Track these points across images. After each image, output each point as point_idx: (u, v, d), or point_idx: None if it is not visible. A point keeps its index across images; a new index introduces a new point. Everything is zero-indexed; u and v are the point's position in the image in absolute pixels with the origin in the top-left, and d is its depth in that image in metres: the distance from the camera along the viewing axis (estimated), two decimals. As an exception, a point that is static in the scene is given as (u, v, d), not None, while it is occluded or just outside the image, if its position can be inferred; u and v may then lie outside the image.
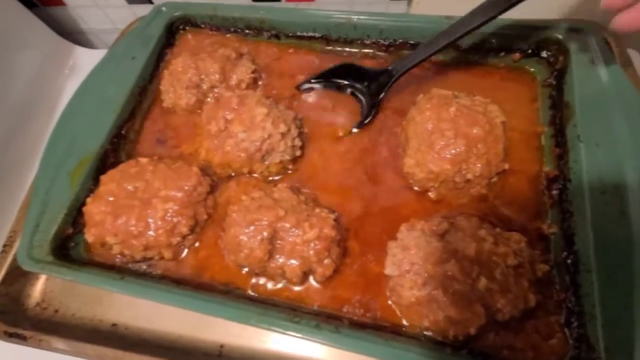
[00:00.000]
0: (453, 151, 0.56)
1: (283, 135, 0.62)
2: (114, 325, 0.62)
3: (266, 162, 0.64)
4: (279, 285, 0.58)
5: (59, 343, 0.59)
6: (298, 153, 0.65)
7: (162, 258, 0.60)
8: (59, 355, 0.59)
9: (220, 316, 0.50)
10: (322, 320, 0.50)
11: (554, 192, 0.57)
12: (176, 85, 0.72)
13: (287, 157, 0.64)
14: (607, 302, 0.46)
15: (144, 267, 0.60)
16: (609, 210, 0.50)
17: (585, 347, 0.46)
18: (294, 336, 0.48)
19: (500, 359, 0.47)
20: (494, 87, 0.67)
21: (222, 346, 0.59)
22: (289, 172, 0.66)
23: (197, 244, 0.62)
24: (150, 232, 0.57)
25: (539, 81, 0.66)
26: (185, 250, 0.61)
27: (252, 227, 0.55)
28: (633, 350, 0.43)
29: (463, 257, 0.49)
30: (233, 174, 0.66)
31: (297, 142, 0.64)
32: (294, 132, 0.64)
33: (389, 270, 0.53)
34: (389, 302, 0.54)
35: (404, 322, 0.52)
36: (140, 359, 0.56)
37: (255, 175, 0.65)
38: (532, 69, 0.67)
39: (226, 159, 0.63)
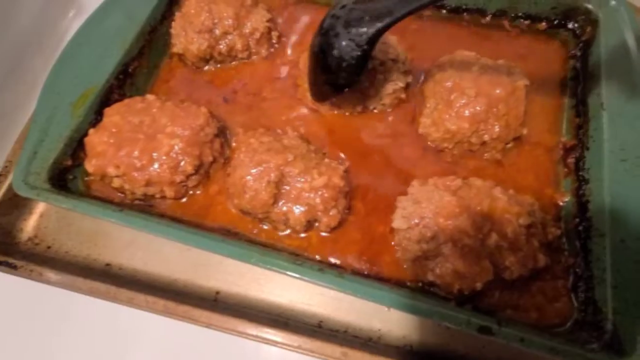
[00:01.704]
0: (472, 110, 0.55)
1: (394, 61, 0.60)
2: (107, 265, 0.60)
3: (379, 95, 0.61)
4: (282, 233, 0.56)
5: (50, 275, 0.57)
6: (409, 79, 0.62)
7: (163, 197, 0.58)
8: (50, 288, 0.57)
9: (220, 253, 0.48)
10: (325, 266, 0.49)
11: (570, 160, 0.56)
12: (188, 29, 0.69)
13: (400, 85, 0.61)
14: (618, 265, 0.45)
15: (143, 206, 0.59)
16: (627, 178, 0.49)
17: (591, 311, 0.45)
18: (296, 278, 0.47)
19: (503, 317, 0.46)
20: (517, 55, 0.65)
21: (217, 292, 0.57)
22: (403, 101, 0.63)
23: (200, 188, 0.60)
24: (154, 167, 0.55)
25: (562, 52, 0.65)
26: (189, 193, 0.59)
27: (259, 169, 0.53)
28: (641, 313, 0.42)
29: (475, 212, 0.48)
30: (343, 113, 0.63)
31: (408, 66, 0.61)
32: (403, 55, 0.61)
33: (397, 223, 0.51)
34: (396, 256, 0.53)
35: (408, 278, 0.51)
36: (134, 295, 0.54)
37: (372, 109, 0.63)
38: (558, 39, 0.66)
39: (337, 101, 0.61)
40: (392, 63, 0.59)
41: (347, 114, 0.64)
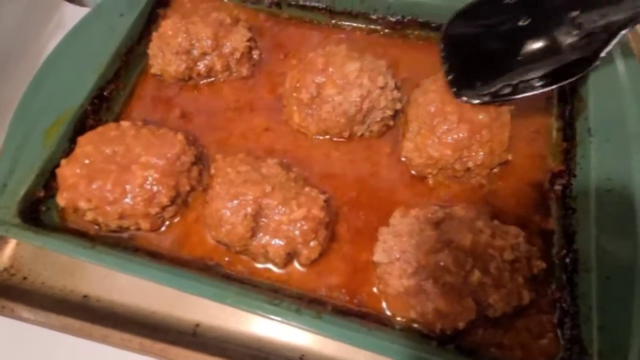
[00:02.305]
0: (455, 136, 0.53)
1: (382, 89, 0.57)
2: (85, 296, 0.59)
3: (367, 123, 0.59)
4: (261, 266, 0.54)
5: (23, 311, 0.55)
6: (398, 106, 0.60)
7: (139, 229, 0.56)
8: (23, 324, 0.56)
9: (194, 293, 0.47)
10: (304, 304, 0.47)
11: (557, 187, 0.55)
12: (165, 50, 0.67)
13: (389, 113, 0.59)
14: (604, 304, 0.43)
15: (120, 238, 0.57)
16: (615, 210, 0.47)
17: (578, 350, 0.44)
18: (272, 319, 0.45)
19: (487, 357, 0.45)
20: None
21: (197, 325, 0.56)
22: (390, 128, 0.61)
23: (177, 218, 0.58)
24: (127, 200, 0.53)
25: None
26: (166, 223, 0.58)
27: (235, 202, 0.51)
28: (627, 357, 0.40)
29: (457, 247, 0.46)
30: (330, 139, 0.61)
31: (396, 94, 0.59)
32: (392, 82, 0.59)
33: (378, 257, 0.50)
34: (375, 290, 0.52)
35: (390, 313, 0.50)
36: (109, 333, 0.53)
37: (359, 136, 0.61)
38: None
39: (323, 127, 0.59)
40: (380, 91, 0.57)
41: (333, 139, 0.62)
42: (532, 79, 0.51)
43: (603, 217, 0.47)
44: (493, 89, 0.52)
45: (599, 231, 0.46)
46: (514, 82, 0.52)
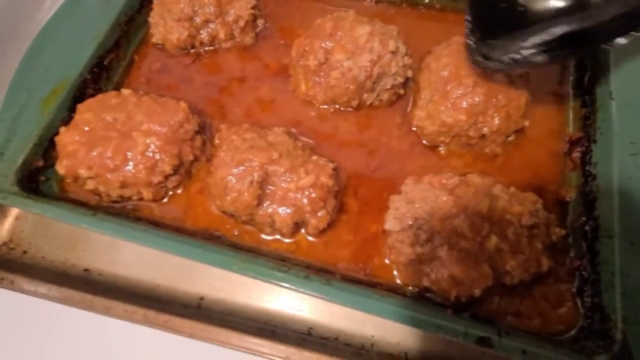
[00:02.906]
0: (470, 101, 0.51)
1: (393, 53, 0.55)
2: (86, 270, 0.57)
3: (377, 90, 0.57)
4: (268, 237, 0.53)
5: (23, 283, 0.54)
6: (410, 73, 0.58)
7: (141, 199, 0.54)
8: (22, 297, 0.54)
9: (200, 260, 0.45)
10: (313, 272, 0.46)
11: (576, 154, 0.52)
12: (166, 18, 0.65)
13: (400, 80, 0.57)
14: (628, 269, 0.41)
15: (121, 208, 0.55)
16: (638, 174, 0.45)
17: (599, 318, 0.42)
18: (281, 286, 0.44)
19: (504, 325, 0.43)
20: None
21: (202, 298, 0.54)
22: (401, 97, 0.59)
23: (181, 188, 0.56)
24: (128, 168, 0.51)
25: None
26: (169, 194, 0.56)
27: (241, 168, 0.49)
28: (652, 322, 0.39)
29: (474, 213, 0.44)
30: (337, 109, 0.59)
31: (408, 60, 0.56)
32: (403, 48, 0.56)
33: (389, 224, 0.48)
34: (386, 260, 0.50)
35: (401, 282, 0.48)
36: (110, 304, 0.51)
37: (368, 105, 0.58)
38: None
39: (331, 95, 0.57)
40: (391, 56, 0.55)
41: (341, 108, 0.60)
42: (562, 41, 0.45)
43: (626, 182, 0.45)
44: (520, 54, 0.47)
45: (622, 196, 0.44)
46: (543, 46, 0.46)
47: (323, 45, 0.56)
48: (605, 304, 0.42)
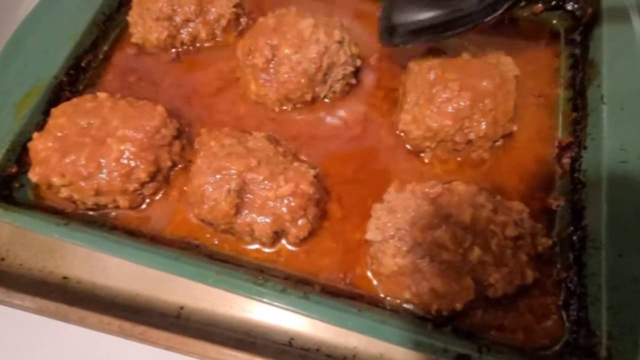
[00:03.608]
0: (456, 105, 0.49)
1: (340, 43, 0.54)
2: (64, 278, 0.56)
3: (329, 82, 0.56)
4: (247, 246, 0.51)
5: (-2, 292, 0.52)
6: (358, 63, 0.57)
7: (117, 207, 0.53)
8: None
9: (173, 272, 0.44)
10: (291, 284, 0.44)
11: (565, 160, 0.51)
12: (145, 17, 0.62)
13: (350, 69, 0.56)
14: (615, 283, 0.40)
15: (98, 216, 0.54)
16: (629, 183, 0.43)
17: (584, 332, 0.41)
18: (256, 300, 0.42)
19: (487, 340, 0.42)
20: (509, 43, 0.58)
21: (182, 308, 0.53)
22: (353, 86, 0.58)
23: (159, 195, 0.55)
24: (102, 175, 0.49)
25: (561, 37, 0.58)
26: (146, 201, 0.54)
27: (218, 176, 0.48)
28: (639, 338, 0.37)
29: (456, 223, 0.43)
30: (293, 107, 0.57)
31: (355, 49, 0.56)
32: (348, 37, 0.55)
33: (371, 234, 0.46)
34: (368, 271, 0.49)
35: (383, 295, 0.47)
36: (85, 314, 0.50)
37: (322, 98, 0.57)
38: (554, 23, 0.59)
39: (284, 91, 0.55)
40: (338, 46, 0.53)
41: (298, 105, 0.58)
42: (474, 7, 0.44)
43: (616, 191, 0.43)
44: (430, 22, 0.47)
45: (611, 205, 0.43)
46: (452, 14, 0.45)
47: (268, 41, 0.54)
48: (591, 319, 0.40)
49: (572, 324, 0.42)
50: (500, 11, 0.45)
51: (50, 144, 0.51)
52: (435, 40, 0.51)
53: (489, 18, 0.45)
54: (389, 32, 0.50)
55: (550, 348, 0.42)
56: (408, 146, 0.55)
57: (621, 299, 0.39)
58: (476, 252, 0.41)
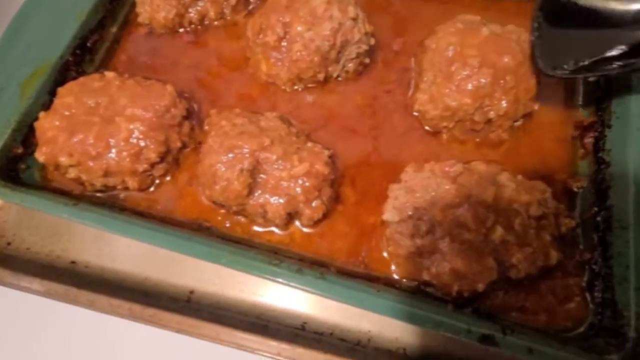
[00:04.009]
0: (476, 82, 0.47)
1: (354, 20, 0.52)
2: (72, 262, 0.55)
3: (342, 61, 0.54)
4: (260, 229, 0.50)
5: (5, 275, 0.51)
6: (372, 41, 0.55)
7: (126, 188, 0.51)
8: (8, 290, 0.52)
9: (185, 253, 0.43)
10: (306, 265, 0.43)
11: (588, 140, 0.49)
12: (153, -5, 0.61)
13: (364, 47, 0.54)
14: (643, 263, 0.39)
15: (106, 198, 0.52)
16: (656, 161, 0.42)
17: (610, 313, 0.40)
18: (271, 280, 0.41)
19: (508, 321, 0.40)
20: (529, 18, 0.56)
21: (192, 292, 0.52)
22: (367, 66, 0.56)
23: (168, 177, 0.54)
24: (111, 155, 0.48)
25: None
26: (156, 182, 0.53)
27: (230, 155, 0.46)
28: (669, 319, 0.36)
29: (478, 202, 0.41)
30: (304, 87, 0.56)
31: (369, 27, 0.54)
32: (362, 15, 0.53)
33: (388, 215, 0.45)
34: (384, 253, 0.47)
35: (399, 276, 0.45)
36: (94, 297, 0.49)
37: (335, 77, 0.56)
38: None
39: (296, 70, 0.53)
40: (352, 23, 0.52)
41: (309, 85, 0.56)
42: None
43: (643, 169, 0.42)
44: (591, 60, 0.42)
45: (638, 185, 0.41)
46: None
47: (280, 18, 0.52)
48: (618, 300, 0.39)
49: (597, 305, 0.41)
50: None
51: (57, 123, 0.49)
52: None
53: None
54: (552, 67, 0.44)
55: (574, 330, 0.41)
56: (426, 127, 0.53)
57: (650, 279, 0.38)
58: (499, 231, 0.40)
